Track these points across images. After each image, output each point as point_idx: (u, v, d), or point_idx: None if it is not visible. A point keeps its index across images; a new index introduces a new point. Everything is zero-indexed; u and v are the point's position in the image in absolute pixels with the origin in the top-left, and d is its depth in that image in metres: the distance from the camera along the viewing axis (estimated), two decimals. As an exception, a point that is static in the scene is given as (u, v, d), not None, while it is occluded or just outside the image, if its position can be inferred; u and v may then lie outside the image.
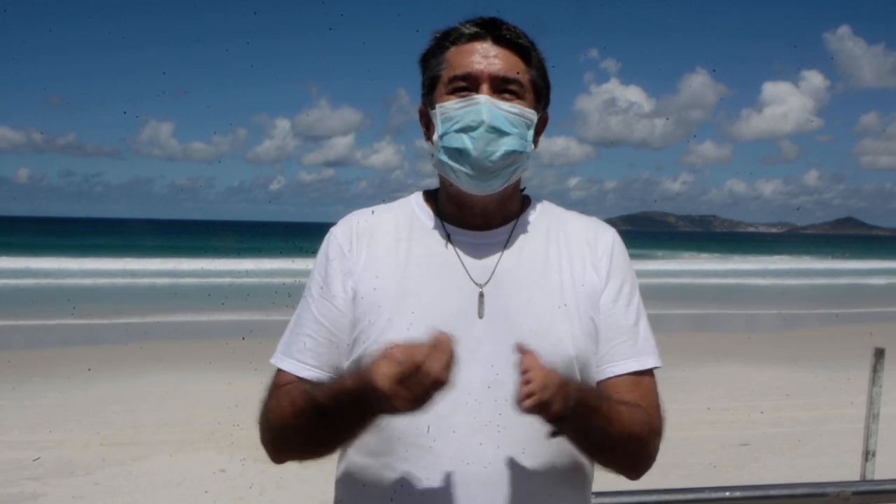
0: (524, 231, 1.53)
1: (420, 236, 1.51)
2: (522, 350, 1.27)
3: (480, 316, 1.43)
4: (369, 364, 1.23)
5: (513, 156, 1.44)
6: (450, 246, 1.49)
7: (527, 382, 1.23)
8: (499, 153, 1.42)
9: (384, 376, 1.19)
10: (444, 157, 1.45)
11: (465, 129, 1.42)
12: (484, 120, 1.41)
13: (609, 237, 1.55)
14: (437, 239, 1.51)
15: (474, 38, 1.47)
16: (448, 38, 1.49)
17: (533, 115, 1.48)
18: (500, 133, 1.42)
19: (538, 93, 1.51)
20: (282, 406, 1.42)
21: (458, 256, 1.48)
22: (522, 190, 1.58)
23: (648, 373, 1.50)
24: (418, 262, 1.48)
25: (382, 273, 1.47)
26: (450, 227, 1.51)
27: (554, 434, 1.31)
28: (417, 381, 1.19)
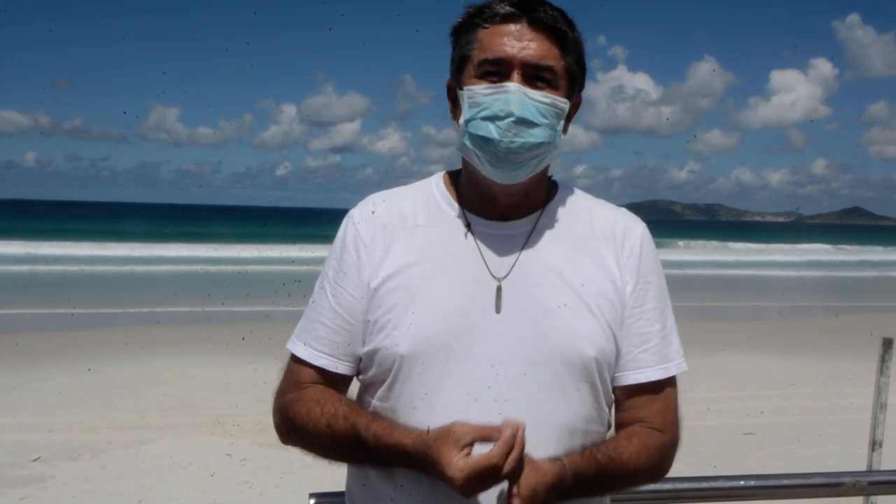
0: (548, 223, 1.47)
1: (439, 224, 1.46)
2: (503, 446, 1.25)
3: (497, 311, 1.39)
4: (438, 443, 1.26)
5: (540, 147, 1.38)
6: (469, 236, 1.44)
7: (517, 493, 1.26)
8: (526, 145, 1.36)
9: (459, 471, 1.23)
10: (468, 143, 1.39)
11: (492, 118, 1.36)
12: (513, 111, 1.35)
13: (638, 233, 1.50)
14: (456, 228, 1.45)
15: (508, 18, 1.38)
16: (481, 16, 1.40)
17: (565, 105, 1.41)
18: (528, 124, 1.36)
19: (573, 79, 1.43)
20: (314, 418, 1.41)
21: (478, 248, 1.43)
22: (550, 177, 1.52)
23: (670, 380, 1.47)
24: (435, 252, 1.43)
25: (399, 263, 1.43)
26: (470, 217, 1.46)
27: None
28: (491, 478, 1.23)
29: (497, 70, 1.38)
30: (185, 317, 14.24)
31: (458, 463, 1.23)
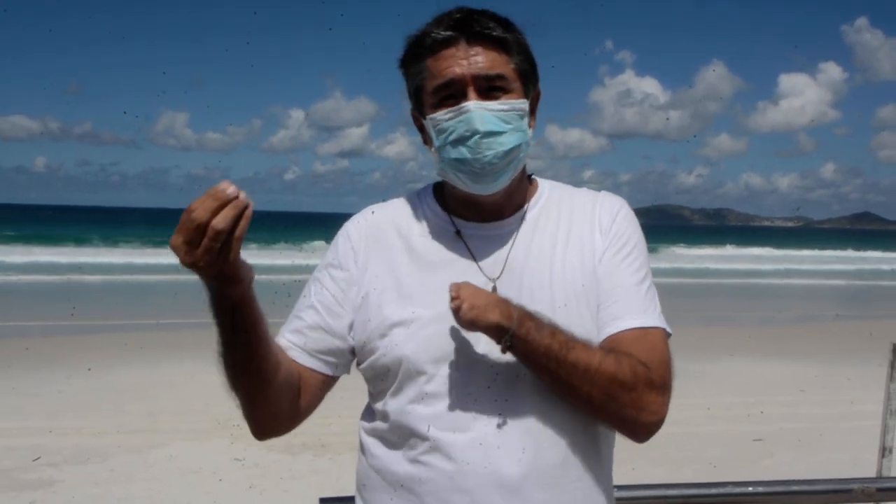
0: (534, 218, 1.51)
1: (429, 232, 1.51)
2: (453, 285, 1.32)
3: None
4: None
5: (513, 151, 1.42)
6: (459, 241, 1.48)
7: (455, 299, 1.29)
8: (499, 154, 1.40)
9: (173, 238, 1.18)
10: (446, 168, 1.44)
11: (460, 140, 1.40)
12: (477, 129, 1.39)
13: (616, 203, 1.53)
14: (446, 234, 1.50)
15: (449, 42, 1.42)
16: (423, 45, 1.44)
17: (524, 105, 1.44)
18: (495, 135, 1.40)
19: (525, 77, 1.46)
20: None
21: (469, 250, 1.47)
22: (529, 176, 1.57)
23: (654, 330, 1.42)
24: (428, 257, 1.47)
25: (393, 270, 1.47)
26: (459, 222, 1.50)
27: (506, 349, 1.32)
28: (194, 231, 1.17)
29: (452, 92, 1.42)
30: (194, 322, 14.28)
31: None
